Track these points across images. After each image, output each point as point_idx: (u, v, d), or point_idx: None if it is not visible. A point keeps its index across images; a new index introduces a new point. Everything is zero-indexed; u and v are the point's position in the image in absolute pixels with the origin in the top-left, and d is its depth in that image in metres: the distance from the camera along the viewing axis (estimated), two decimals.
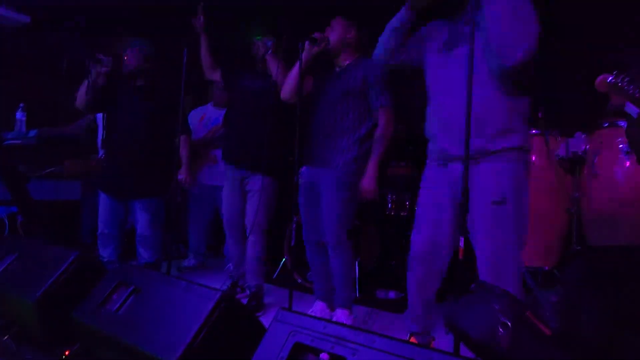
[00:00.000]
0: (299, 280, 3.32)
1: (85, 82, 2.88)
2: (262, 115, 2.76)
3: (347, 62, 2.54)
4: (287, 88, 2.56)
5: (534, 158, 2.68)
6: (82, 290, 1.78)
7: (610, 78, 1.46)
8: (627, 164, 2.44)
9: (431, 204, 1.93)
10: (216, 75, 3.10)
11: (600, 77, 1.49)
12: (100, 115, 3.74)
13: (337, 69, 2.57)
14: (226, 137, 3.09)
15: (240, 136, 2.88)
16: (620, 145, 2.48)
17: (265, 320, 1.45)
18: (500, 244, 1.73)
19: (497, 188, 1.73)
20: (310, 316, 1.37)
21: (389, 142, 2.45)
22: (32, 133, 3.19)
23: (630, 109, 1.52)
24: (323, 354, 1.18)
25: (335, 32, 2.51)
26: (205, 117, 3.92)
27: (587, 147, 2.55)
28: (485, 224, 1.75)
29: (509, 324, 0.98)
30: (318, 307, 2.62)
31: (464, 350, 1.26)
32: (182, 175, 3.16)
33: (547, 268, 2.66)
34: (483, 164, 1.77)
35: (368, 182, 2.42)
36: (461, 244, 1.49)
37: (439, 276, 1.94)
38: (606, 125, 2.55)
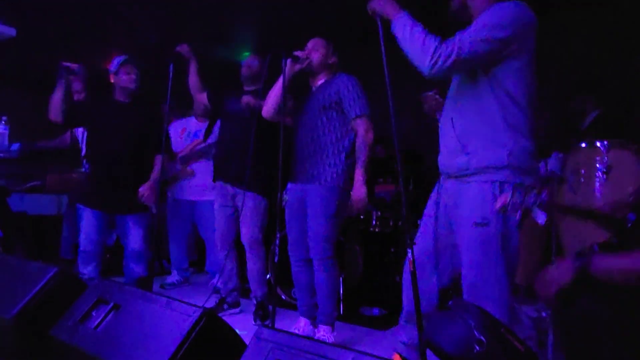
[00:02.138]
0: (283, 297, 3.31)
1: (57, 93, 2.82)
2: (251, 134, 2.80)
3: (322, 80, 2.60)
4: (269, 105, 2.60)
5: None
6: (61, 307, 1.75)
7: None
8: (604, 182, 2.51)
9: (430, 217, 1.92)
10: (202, 97, 3.16)
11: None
12: (81, 130, 3.71)
13: (313, 89, 2.63)
14: (217, 155, 3.13)
15: (232, 155, 2.94)
16: (598, 165, 2.55)
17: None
18: (481, 266, 1.69)
19: (479, 210, 1.67)
20: (291, 333, 1.36)
21: (371, 150, 2.47)
22: (15, 147, 3.16)
23: (538, 216, 1.53)
24: None
25: (318, 53, 2.57)
26: (186, 130, 3.92)
27: (565, 166, 2.61)
28: (466, 245, 1.73)
29: (484, 340, 1.00)
30: (301, 324, 2.61)
31: None
32: (143, 188, 2.95)
33: (526, 284, 2.69)
34: (469, 183, 1.73)
35: (358, 191, 2.43)
36: (409, 255, 1.48)
37: (433, 290, 1.89)
38: (583, 145, 2.62)
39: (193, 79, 3.13)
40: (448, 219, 1.84)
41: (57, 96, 2.83)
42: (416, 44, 1.64)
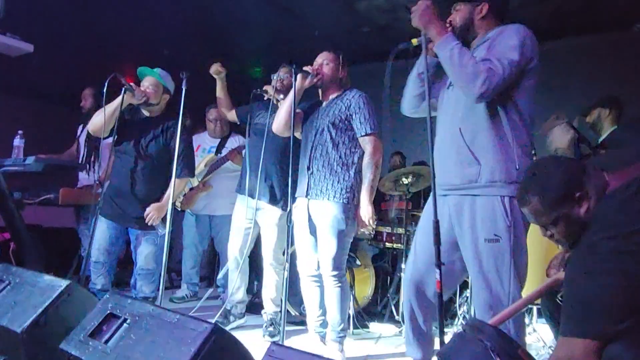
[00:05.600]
0: (293, 313, 3.28)
1: (112, 108, 2.76)
2: (277, 150, 2.81)
3: (333, 96, 2.61)
4: (280, 120, 2.61)
5: None
6: (72, 321, 1.75)
7: None
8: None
9: (427, 232, 1.89)
10: (232, 115, 3.24)
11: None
12: (82, 141, 3.69)
13: (324, 104, 2.63)
14: (243, 170, 3.14)
15: (258, 171, 2.92)
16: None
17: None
18: (493, 282, 1.70)
19: (490, 226, 1.69)
20: (301, 350, 1.35)
21: (379, 169, 2.46)
22: (29, 160, 3.19)
23: None
24: None
25: (329, 68, 2.58)
26: (201, 146, 3.95)
27: None
28: (478, 261, 1.72)
29: None
30: (311, 340, 2.59)
31: None
32: (150, 208, 2.87)
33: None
34: (474, 198, 1.74)
35: (364, 211, 2.42)
36: (437, 276, 1.48)
37: (430, 305, 1.91)
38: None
39: (221, 97, 3.21)
40: (449, 235, 1.83)
41: (112, 112, 2.75)
42: (466, 69, 1.67)
